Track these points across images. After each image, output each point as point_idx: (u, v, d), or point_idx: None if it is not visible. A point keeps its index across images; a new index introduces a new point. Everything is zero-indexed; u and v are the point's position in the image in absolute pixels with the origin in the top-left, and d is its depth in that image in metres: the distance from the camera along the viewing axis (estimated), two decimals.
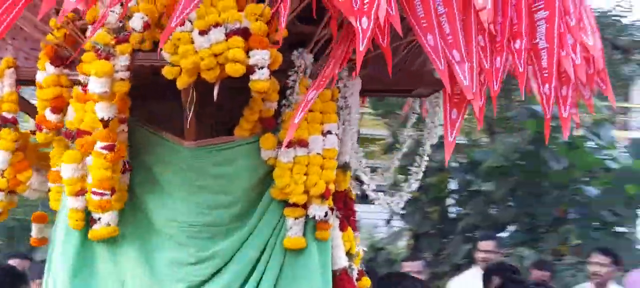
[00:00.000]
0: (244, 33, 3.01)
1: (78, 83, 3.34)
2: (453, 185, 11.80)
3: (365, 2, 2.68)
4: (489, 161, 10.99)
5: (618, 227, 10.81)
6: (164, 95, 3.28)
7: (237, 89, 3.13)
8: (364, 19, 2.69)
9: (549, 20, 3.13)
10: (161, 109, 3.46)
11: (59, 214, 3.57)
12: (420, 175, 4.26)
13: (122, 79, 3.13)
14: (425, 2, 2.97)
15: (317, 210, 3.38)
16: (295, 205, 3.37)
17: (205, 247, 3.39)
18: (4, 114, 3.58)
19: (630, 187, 10.49)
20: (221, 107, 3.24)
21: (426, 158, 4.24)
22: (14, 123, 3.61)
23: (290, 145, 3.30)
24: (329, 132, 3.41)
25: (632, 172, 10.62)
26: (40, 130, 3.50)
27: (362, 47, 2.66)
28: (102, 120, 3.18)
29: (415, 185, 4.28)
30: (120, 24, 3.12)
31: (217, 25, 2.99)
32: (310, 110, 3.27)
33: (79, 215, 3.41)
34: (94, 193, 3.24)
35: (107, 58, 3.08)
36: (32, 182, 3.65)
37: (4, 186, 3.57)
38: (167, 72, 3.07)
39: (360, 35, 2.66)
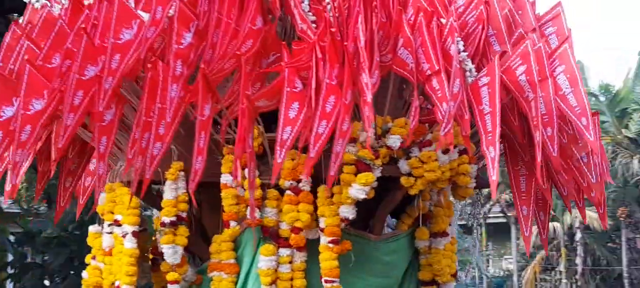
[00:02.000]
0: (465, 152, 3.83)
1: (275, 186, 3.78)
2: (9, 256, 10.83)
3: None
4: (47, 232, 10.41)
5: None
6: None
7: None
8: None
9: None
10: None
11: None
12: None
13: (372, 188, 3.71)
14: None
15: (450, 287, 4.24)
16: (432, 283, 4.19)
17: None
18: (180, 213, 3.79)
19: None
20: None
21: None
22: (186, 221, 3.82)
23: (440, 235, 4.14)
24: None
25: None
26: (228, 226, 3.84)
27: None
28: (345, 219, 3.70)
29: None
30: (378, 143, 3.68)
31: (455, 147, 3.76)
32: None
33: None
34: (326, 281, 3.76)
35: (369, 170, 3.64)
36: (187, 274, 3.91)
37: (176, 278, 3.82)
38: (404, 181, 3.74)
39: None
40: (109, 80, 3.55)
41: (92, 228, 4.34)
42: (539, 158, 3.49)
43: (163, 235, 3.91)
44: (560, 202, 24.61)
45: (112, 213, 4.10)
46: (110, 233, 4.11)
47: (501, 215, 29.15)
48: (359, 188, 3.65)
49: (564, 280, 27.19)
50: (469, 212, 27.95)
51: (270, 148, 3.88)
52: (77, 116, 3.58)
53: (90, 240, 4.33)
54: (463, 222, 28.53)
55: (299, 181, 3.85)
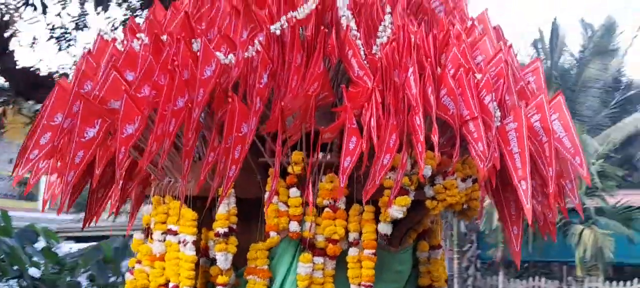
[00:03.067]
0: (476, 181, 4.67)
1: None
2: None
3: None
4: None
5: None
6: None
7: None
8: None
9: None
10: None
11: None
12: None
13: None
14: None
15: None
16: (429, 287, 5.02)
17: None
18: (231, 224, 4.48)
19: None
20: None
21: None
22: (236, 232, 4.51)
23: (437, 247, 4.98)
24: None
25: None
26: (268, 236, 4.61)
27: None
28: (385, 235, 4.49)
29: None
30: (412, 171, 4.46)
31: (469, 176, 4.59)
32: None
33: None
34: (365, 286, 4.51)
35: (406, 193, 4.43)
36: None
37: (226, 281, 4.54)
38: (429, 204, 4.55)
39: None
40: (196, 110, 4.19)
41: (137, 236, 4.90)
42: (551, 189, 4.36)
43: (217, 244, 4.54)
44: None
45: (164, 223, 4.68)
46: (162, 241, 4.68)
47: None
48: (397, 209, 4.42)
49: None
50: None
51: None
52: (171, 140, 4.20)
53: (134, 247, 4.89)
54: None
55: (335, 200, 4.57)
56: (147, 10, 12.99)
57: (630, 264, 28.31)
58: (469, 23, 4.91)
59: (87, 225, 5.24)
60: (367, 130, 4.19)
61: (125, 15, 13.20)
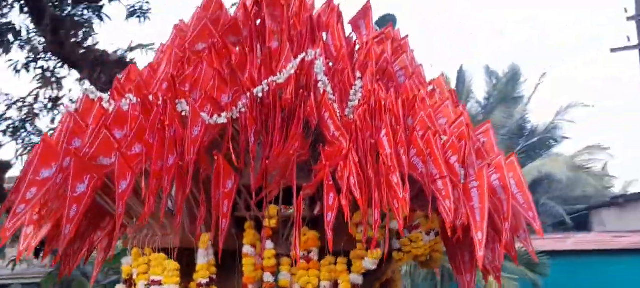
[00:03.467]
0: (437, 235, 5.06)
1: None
2: None
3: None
4: None
5: None
6: None
7: None
8: None
9: None
10: None
11: None
12: None
13: None
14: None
15: None
16: None
17: None
18: (211, 275, 4.83)
19: None
20: None
21: None
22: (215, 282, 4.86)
23: None
24: None
25: None
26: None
27: None
28: (356, 285, 4.86)
29: None
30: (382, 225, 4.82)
31: (433, 230, 4.98)
32: None
33: None
34: None
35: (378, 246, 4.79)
36: None
37: None
38: (396, 255, 4.92)
39: None
40: (190, 168, 4.50)
41: (119, 287, 5.15)
42: (504, 240, 4.78)
43: None
44: None
45: (146, 273, 4.93)
46: None
47: None
48: (371, 262, 4.77)
49: None
50: None
51: (283, 224, 4.94)
52: (168, 193, 4.50)
53: None
54: None
55: (309, 252, 4.90)
56: (49, 53, 13.18)
57: None
58: (430, 88, 5.31)
59: (63, 274, 5.47)
60: (347, 187, 4.52)
61: (27, 57, 13.24)
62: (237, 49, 5.21)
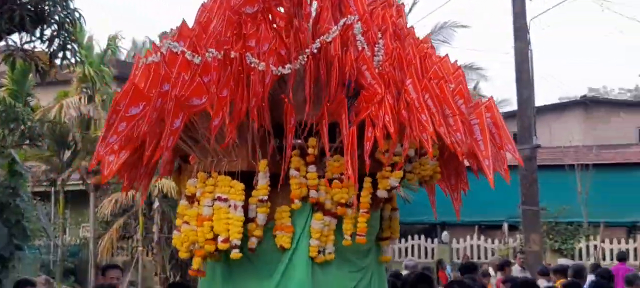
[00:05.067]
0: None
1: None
2: None
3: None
4: None
5: None
6: None
7: None
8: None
9: None
10: None
11: None
12: None
13: None
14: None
15: None
16: None
17: None
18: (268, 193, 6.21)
19: None
20: None
21: None
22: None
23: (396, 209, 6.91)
24: None
25: None
26: (293, 201, 6.33)
27: None
28: (381, 198, 6.37)
29: None
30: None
31: (435, 157, 6.52)
32: None
33: None
34: (359, 236, 6.37)
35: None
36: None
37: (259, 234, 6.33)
38: (408, 176, 6.45)
39: None
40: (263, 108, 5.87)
41: (182, 202, 6.47)
42: (506, 162, 6.38)
43: (259, 207, 6.20)
44: None
45: (212, 193, 6.24)
46: (211, 206, 6.24)
47: (80, 182, 29.74)
48: (394, 180, 6.27)
49: (139, 248, 28.59)
50: (46, 179, 29.13)
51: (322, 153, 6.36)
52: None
53: (181, 210, 6.44)
54: (41, 189, 29.60)
55: (341, 174, 6.33)
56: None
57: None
58: (428, 45, 6.82)
59: (128, 190, 6.74)
60: (383, 124, 5.97)
61: None
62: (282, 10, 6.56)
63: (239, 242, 6.11)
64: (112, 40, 29.46)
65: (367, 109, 6.06)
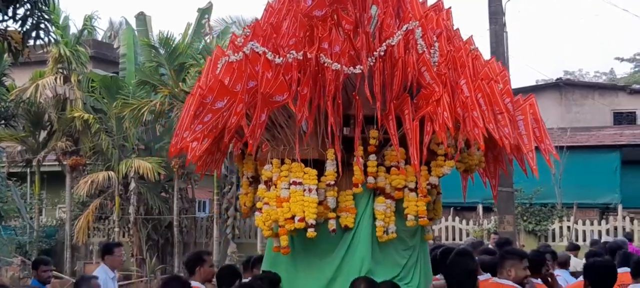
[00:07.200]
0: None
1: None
2: None
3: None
4: None
5: None
6: None
7: None
8: None
9: None
10: None
11: None
12: None
13: None
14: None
15: None
16: None
17: None
18: (335, 179, 7.18)
19: None
20: None
21: None
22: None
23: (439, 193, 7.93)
24: None
25: None
26: (356, 186, 7.27)
27: None
28: (433, 184, 7.38)
29: None
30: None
31: (479, 149, 7.53)
32: None
33: None
34: (420, 218, 7.36)
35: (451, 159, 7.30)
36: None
37: (333, 215, 7.27)
38: (458, 165, 7.45)
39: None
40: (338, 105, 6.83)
41: (261, 186, 7.42)
42: (547, 155, 7.38)
43: (328, 191, 7.17)
44: (117, 152, 28.23)
45: (287, 177, 7.18)
46: (288, 189, 7.18)
47: (56, 163, 30.28)
48: (447, 169, 7.26)
49: (116, 229, 29.03)
50: (21, 160, 29.72)
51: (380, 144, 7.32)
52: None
53: (260, 193, 7.41)
54: (17, 170, 30.32)
55: (399, 162, 7.31)
56: None
57: None
58: (474, 47, 7.79)
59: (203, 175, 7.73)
60: (442, 119, 6.93)
61: None
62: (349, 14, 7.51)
63: (314, 222, 7.05)
64: (88, 20, 29.83)
65: (427, 106, 7.02)
